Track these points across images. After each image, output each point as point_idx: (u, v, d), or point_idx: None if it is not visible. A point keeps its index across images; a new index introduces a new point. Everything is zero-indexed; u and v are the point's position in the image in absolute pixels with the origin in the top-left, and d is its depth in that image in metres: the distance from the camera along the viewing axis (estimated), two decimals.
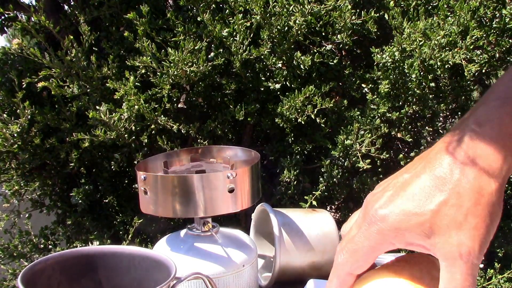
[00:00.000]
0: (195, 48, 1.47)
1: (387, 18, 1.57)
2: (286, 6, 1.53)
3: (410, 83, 1.56)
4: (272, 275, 1.07)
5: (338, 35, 1.58)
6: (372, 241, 0.53)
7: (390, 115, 1.57)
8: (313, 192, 1.56)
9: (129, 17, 1.46)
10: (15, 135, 1.51)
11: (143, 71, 1.54)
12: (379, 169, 1.64)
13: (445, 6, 1.53)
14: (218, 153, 1.15)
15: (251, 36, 1.53)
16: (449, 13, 1.54)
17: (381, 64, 1.58)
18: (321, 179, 1.59)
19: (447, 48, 1.52)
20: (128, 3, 1.67)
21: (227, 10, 1.58)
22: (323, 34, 1.64)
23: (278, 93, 1.61)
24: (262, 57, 1.55)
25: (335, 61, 1.64)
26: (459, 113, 1.78)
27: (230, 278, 0.90)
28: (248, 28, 1.53)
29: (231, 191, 0.90)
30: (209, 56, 1.57)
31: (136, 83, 1.49)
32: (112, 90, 1.48)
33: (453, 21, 1.51)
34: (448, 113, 1.86)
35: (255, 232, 1.23)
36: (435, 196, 0.51)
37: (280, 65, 1.59)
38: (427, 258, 0.57)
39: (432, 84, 1.61)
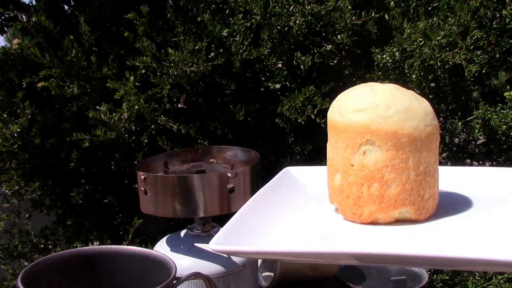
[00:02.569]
0: (195, 48, 1.47)
1: (387, 18, 1.57)
2: (286, 6, 1.53)
3: (410, 83, 1.56)
4: (273, 278, 1.07)
5: (338, 36, 1.58)
6: None
7: None
8: None
9: (129, 17, 1.46)
10: (15, 135, 1.51)
11: (143, 71, 1.54)
12: None
13: (445, 6, 1.53)
14: (218, 153, 1.15)
15: (251, 36, 1.53)
16: (449, 14, 1.54)
17: (381, 64, 1.58)
18: None
19: (447, 49, 1.52)
20: (128, 3, 1.67)
21: (227, 11, 1.58)
22: (323, 34, 1.64)
23: (278, 93, 1.61)
24: (262, 57, 1.55)
25: (335, 62, 1.64)
26: (459, 113, 1.78)
27: (230, 278, 0.90)
28: (248, 29, 1.53)
29: (231, 191, 0.90)
30: (209, 56, 1.57)
31: (136, 83, 1.49)
32: (112, 90, 1.48)
33: (453, 21, 1.51)
34: (448, 113, 1.86)
35: None
36: None
37: (280, 65, 1.59)
38: None
39: (432, 84, 1.61)
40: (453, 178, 0.75)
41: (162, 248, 0.95)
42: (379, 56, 1.57)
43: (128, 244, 1.63)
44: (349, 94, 0.65)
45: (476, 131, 1.58)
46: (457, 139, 1.71)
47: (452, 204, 0.67)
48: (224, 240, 0.53)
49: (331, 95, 1.73)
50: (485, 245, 0.54)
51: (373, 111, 0.60)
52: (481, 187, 0.72)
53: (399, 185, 0.60)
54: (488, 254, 0.50)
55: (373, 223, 0.61)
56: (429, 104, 0.65)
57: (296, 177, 0.79)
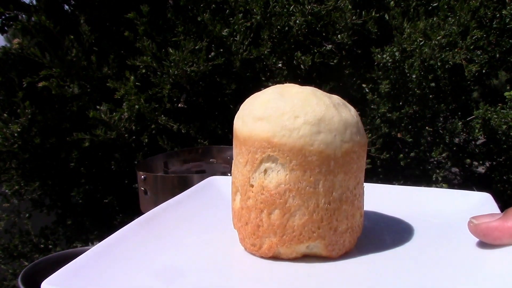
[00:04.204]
0: (195, 48, 1.47)
1: (387, 18, 1.57)
2: (286, 6, 1.53)
3: (410, 83, 1.56)
4: None
5: (339, 35, 1.58)
6: None
7: (390, 115, 1.57)
8: None
9: (129, 17, 1.46)
10: (16, 135, 1.51)
11: (144, 70, 1.54)
12: (379, 169, 1.64)
13: (445, 6, 1.53)
14: (218, 153, 1.15)
15: (251, 36, 1.53)
16: (449, 13, 1.54)
17: (381, 64, 1.58)
18: None
19: (447, 48, 1.52)
20: (129, 3, 1.67)
21: (227, 10, 1.58)
22: (324, 34, 1.64)
23: None
24: (262, 57, 1.55)
25: (335, 61, 1.64)
26: (459, 113, 1.78)
27: None
28: (248, 28, 1.53)
29: None
30: (209, 56, 1.57)
31: (137, 83, 1.49)
32: (112, 89, 1.48)
33: (453, 21, 1.51)
34: (448, 113, 1.86)
35: None
36: None
37: (280, 65, 1.59)
38: None
39: (432, 84, 1.61)
40: (393, 199, 0.63)
41: None
42: (379, 56, 1.57)
43: None
44: (256, 97, 0.52)
45: (476, 131, 1.58)
46: (457, 139, 1.71)
47: (380, 237, 0.55)
48: (59, 279, 0.43)
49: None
50: None
51: (276, 121, 0.48)
52: (424, 211, 0.60)
53: (305, 214, 0.48)
54: None
55: (275, 257, 0.49)
56: (356, 114, 0.52)
57: (220, 189, 0.68)
